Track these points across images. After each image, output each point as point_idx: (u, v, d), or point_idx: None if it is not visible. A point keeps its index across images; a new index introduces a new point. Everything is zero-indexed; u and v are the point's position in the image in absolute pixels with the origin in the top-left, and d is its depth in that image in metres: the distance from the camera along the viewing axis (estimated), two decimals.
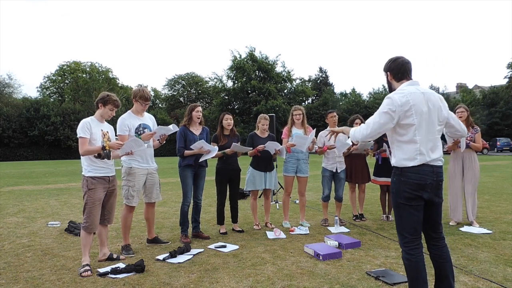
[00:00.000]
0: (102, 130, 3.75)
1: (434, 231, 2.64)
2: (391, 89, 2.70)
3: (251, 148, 5.15)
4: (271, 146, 5.08)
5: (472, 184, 5.28)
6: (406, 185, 2.50)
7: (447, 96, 42.89)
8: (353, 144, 5.41)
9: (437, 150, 2.53)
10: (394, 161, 2.61)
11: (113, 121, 3.90)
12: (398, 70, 2.64)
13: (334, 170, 5.49)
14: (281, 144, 5.42)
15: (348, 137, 2.91)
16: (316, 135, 5.69)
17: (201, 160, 4.68)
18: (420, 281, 2.50)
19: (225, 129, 5.16)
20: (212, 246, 4.39)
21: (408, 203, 2.51)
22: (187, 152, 4.67)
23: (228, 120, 5.15)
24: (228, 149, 4.88)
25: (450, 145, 5.34)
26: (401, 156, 2.54)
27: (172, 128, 4.28)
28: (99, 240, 3.97)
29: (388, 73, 2.71)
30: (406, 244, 2.54)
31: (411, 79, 2.64)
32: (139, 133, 4.24)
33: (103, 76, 51.47)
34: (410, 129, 2.48)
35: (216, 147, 4.79)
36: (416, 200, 2.50)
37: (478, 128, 5.35)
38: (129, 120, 4.22)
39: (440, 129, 2.58)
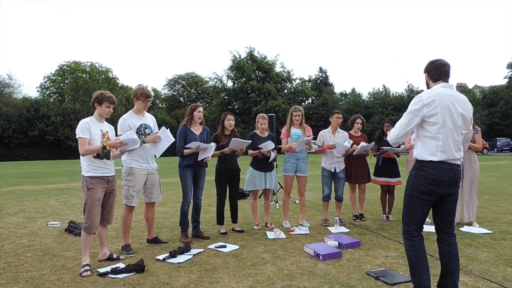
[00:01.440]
0: (101, 130, 3.75)
1: (447, 226, 2.75)
2: (428, 88, 2.84)
3: (251, 141, 5.14)
4: (266, 146, 5.08)
5: (472, 184, 5.28)
6: (423, 179, 2.64)
7: None
8: (351, 146, 5.45)
9: (458, 151, 2.67)
10: (415, 154, 2.76)
11: (113, 121, 3.90)
12: (435, 71, 2.79)
13: (333, 170, 5.49)
14: (280, 144, 5.43)
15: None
16: (316, 135, 5.70)
17: (199, 159, 4.67)
18: (423, 267, 2.64)
19: (226, 129, 5.16)
20: (212, 246, 4.39)
21: (421, 197, 2.66)
22: (186, 151, 4.67)
23: (230, 121, 5.14)
24: (227, 148, 4.87)
25: None
26: (422, 150, 2.70)
27: (165, 130, 4.27)
28: (99, 240, 3.97)
29: (426, 74, 2.86)
30: (409, 232, 2.71)
31: (447, 81, 2.78)
32: (140, 133, 4.24)
33: (103, 76, 51.49)
34: (434, 126, 2.62)
35: (213, 144, 4.78)
36: (429, 195, 2.64)
37: (479, 128, 5.35)
38: (130, 120, 4.21)
39: (464, 132, 2.71)
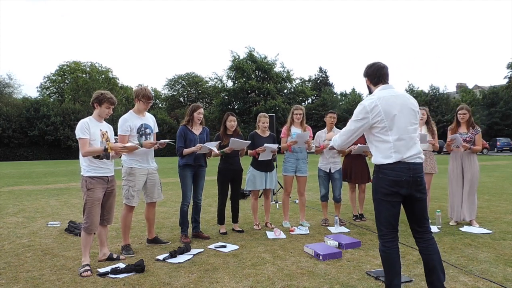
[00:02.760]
0: (101, 130, 3.75)
1: (419, 225, 2.77)
2: (370, 92, 2.90)
3: (250, 142, 5.14)
4: (269, 148, 5.06)
5: (472, 184, 5.27)
6: (383, 181, 2.69)
7: (447, 96, 42.88)
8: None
9: (413, 148, 2.69)
10: (373, 159, 2.82)
11: (113, 121, 3.89)
12: (374, 75, 2.85)
13: (328, 171, 5.49)
14: (280, 144, 5.42)
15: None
16: (314, 135, 5.69)
17: (200, 152, 4.67)
18: (394, 272, 2.70)
19: (228, 130, 5.16)
20: (212, 246, 4.39)
21: (385, 199, 2.69)
22: (185, 150, 4.67)
23: (231, 122, 5.13)
24: (227, 148, 4.87)
25: (447, 145, 5.36)
26: (377, 155, 2.74)
27: (168, 141, 4.32)
28: (98, 241, 3.97)
29: (366, 78, 2.92)
30: (382, 237, 2.74)
31: (386, 83, 2.83)
32: (140, 133, 4.24)
33: (103, 76, 51.53)
34: (382, 130, 2.68)
35: (213, 143, 4.78)
36: (392, 196, 2.67)
37: (479, 129, 5.34)
38: (131, 121, 4.21)
39: (414, 128, 2.74)
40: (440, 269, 2.68)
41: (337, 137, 2.99)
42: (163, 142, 4.23)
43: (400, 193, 2.65)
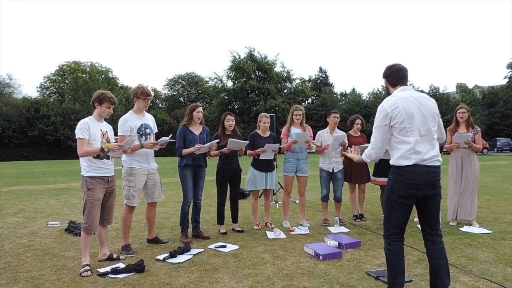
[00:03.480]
0: (101, 130, 3.75)
1: (431, 228, 2.77)
2: (389, 94, 2.88)
3: (248, 142, 5.14)
4: (270, 148, 5.06)
5: (472, 184, 5.28)
6: (400, 184, 2.66)
7: (447, 96, 42.86)
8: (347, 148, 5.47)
9: (432, 150, 2.67)
10: (391, 161, 2.77)
11: (113, 121, 3.89)
12: (393, 76, 2.84)
13: (331, 170, 5.49)
14: (280, 144, 5.42)
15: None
16: (315, 135, 5.69)
17: (199, 152, 4.67)
18: (397, 270, 2.71)
19: (226, 130, 5.16)
20: (212, 246, 4.39)
21: (400, 201, 2.68)
22: (184, 151, 4.67)
23: (230, 122, 5.14)
24: (225, 148, 4.87)
25: (448, 145, 5.36)
26: (397, 156, 2.71)
27: (170, 139, 4.30)
28: (98, 241, 3.97)
29: (385, 79, 2.90)
30: (389, 236, 2.75)
31: (405, 84, 2.82)
32: (140, 133, 4.24)
33: (103, 76, 51.54)
34: (402, 131, 2.66)
35: (215, 141, 4.77)
36: (408, 199, 2.66)
37: (479, 129, 5.35)
38: (131, 121, 4.21)
39: (434, 130, 2.73)
40: (445, 274, 2.68)
41: (366, 154, 2.90)
42: (163, 142, 4.22)
43: (416, 196, 2.65)
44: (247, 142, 5.11)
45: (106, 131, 3.82)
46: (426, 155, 2.63)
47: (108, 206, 3.90)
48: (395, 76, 2.81)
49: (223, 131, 5.15)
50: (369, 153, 2.87)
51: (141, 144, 4.11)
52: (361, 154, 5.67)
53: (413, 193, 2.63)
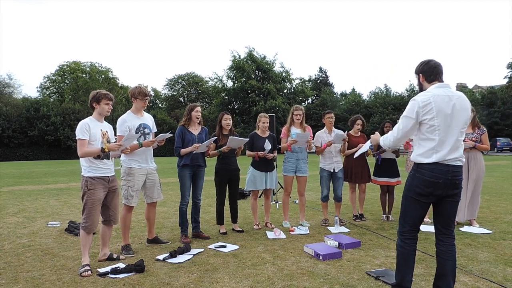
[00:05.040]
0: (101, 130, 3.75)
1: (445, 227, 2.73)
2: (422, 90, 2.80)
3: (248, 139, 5.15)
4: (268, 147, 5.07)
5: (476, 184, 5.27)
6: (419, 181, 2.64)
7: None
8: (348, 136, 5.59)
9: (457, 151, 2.62)
10: (412, 157, 2.76)
11: (113, 121, 3.89)
12: (431, 72, 2.76)
13: (332, 170, 5.49)
14: (280, 144, 5.42)
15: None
16: (314, 135, 5.69)
17: (197, 151, 4.67)
18: (408, 269, 2.71)
19: (224, 129, 5.16)
20: (212, 246, 4.39)
21: (417, 198, 2.66)
22: (183, 150, 4.67)
23: (227, 120, 5.14)
24: (225, 147, 4.87)
25: None
26: (418, 152, 2.68)
27: (170, 134, 4.30)
28: (101, 240, 3.96)
29: (420, 75, 2.81)
30: (403, 233, 2.74)
31: (442, 81, 2.75)
32: (139, 133, 4.24)
33: (103, 76, 51.54)
34: (430, 129, 2.61)
35: (213, 138, 4.77)
36: (425, 197, 2.63)
37: (485, 129, 5.34)
38: (130, 121, 4.20)
39: (463, 132, 2.67)
40: (451, 276, 2.66)
41: (389, 136, 2.84)
42: (161, 139, 4.22)
43: (435, 194, 2.62)
44: (247, 139, 5.12)
45: (107, 131, 3.82)
46: (449, 155, 2.58)
47: (113, 206, 3.90)
48: (434, 71, 2.73)
49: (221, 130, 5.15)
50: (388, 138, 2.82)
51: (140, 144, 4.11)
52: (364, 153, 5.72)
53: (431, 191, 2.60)
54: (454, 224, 2.76)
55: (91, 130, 3.66)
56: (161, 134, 4.20)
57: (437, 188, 2.59)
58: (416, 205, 2.67)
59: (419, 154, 2.66)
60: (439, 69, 2.75)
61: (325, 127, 5.64)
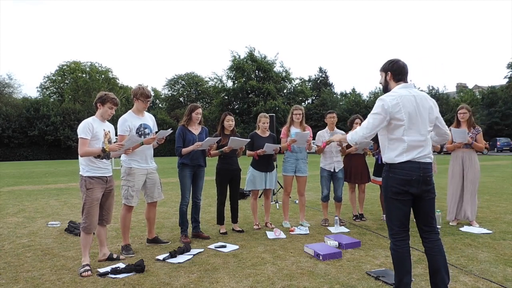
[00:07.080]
0: (104, 130, 3.76)
1: (426, 225, 2.77)
2: (387, 88, 2.87)
3: (249, 140, 5.15)
4: (270, 148, 5.06)
5: (472, 184, 5.28)
6: (393, 181, 2.69)
7: (447, 96, 42.85)
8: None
9: (425, 148, 2.69)
10: (384, 158, 2.79)
11: (113, 121, 3.90)
12: (400, 71, 2.81)
13: (332, 170, 5.49)
14: (280, 144, 5.41)
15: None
16: (315, 135, 5.70)
17: (200, 148, 4.66)
18: (404, 270, 2.72)
19: (225, 129, 5.16)
20: (212, 246, 4.39)
21: (395, 197, 2.70)
22: (184, 150, 4.67)
23: (229, 122, 5.14)
24: (226, 147, 4.87)
25: (450, 145, 5.36)
26: (390, 153, 2.74)
27: (170, 130, 4.30)
28: (98, 241, 3.96)
29: (389, 73, 2.85)
30: (393, 235, 2.76)
31: (407, 81, 2.82)
32: (140, 133, 4.24)
33: (103, 76, 51.55)
34: (399, 129, 2.67)
35: (212, 138, 4.77)
36: (403, 194, 2.68)
37: (480, 129, 5.36)
38: (130, 121, 4.21)
39: (430, 130, 2.75)
40: (444, 271, 2.68)
41: (353, 134, 2.89)
42: (161, 136, 4.22)
43: (410, 192, 2.66)
44: (248, 140, 5.12)
45: (109, 131, 3.83)
46: (419, 153, 2.65)
47: (107, 206, 3.90)
48: (402, 71, 2.79)
49: (222, 130, 5.15)
50: (357, 133, 2.82)
51: (141, 142, 4.11)
52: (363, 153, 5.72)
53: (406, 189, 2.65)
54: (435, 220, 2.79)
55: (94, 129, 3.66)
56: (161, 131, 4.20)
57: (411, 185, 2.64)
58: (397, 204, 2.70)
59: (391, 155, 2.70)
60: (406, 70, 2.82)
61: (327, 127, 5.65)
